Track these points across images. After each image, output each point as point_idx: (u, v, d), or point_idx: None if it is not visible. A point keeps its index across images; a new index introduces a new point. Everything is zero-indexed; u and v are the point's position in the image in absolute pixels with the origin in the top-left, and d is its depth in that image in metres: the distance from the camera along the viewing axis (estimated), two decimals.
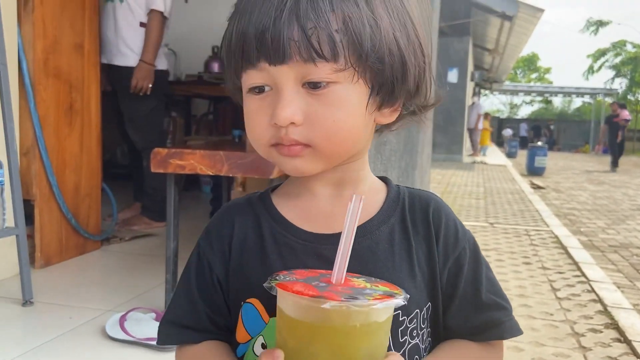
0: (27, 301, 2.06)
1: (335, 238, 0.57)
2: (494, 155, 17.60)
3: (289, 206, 0.65)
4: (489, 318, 0.66)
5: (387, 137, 2.91)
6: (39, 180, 2.49)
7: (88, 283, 2.44)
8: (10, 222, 2.07)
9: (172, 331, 0.66)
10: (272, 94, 0.57)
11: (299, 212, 0.64)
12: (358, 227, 0.55)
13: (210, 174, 1.81)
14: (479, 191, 8.42)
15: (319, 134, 0.57)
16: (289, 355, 0.50)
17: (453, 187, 8.74)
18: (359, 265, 0.60)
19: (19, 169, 2.18)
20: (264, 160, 1.84)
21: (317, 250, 0.62)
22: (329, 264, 0.55)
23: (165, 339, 0.66)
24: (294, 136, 0.57)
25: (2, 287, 2.28)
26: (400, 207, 0.67)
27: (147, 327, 1.82)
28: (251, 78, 0.57)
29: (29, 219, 2.50)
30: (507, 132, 24.11)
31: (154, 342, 1.71)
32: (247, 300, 0.61)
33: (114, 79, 3.25)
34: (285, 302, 0.51)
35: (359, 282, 0.54)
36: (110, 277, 2.54)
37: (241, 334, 0.63)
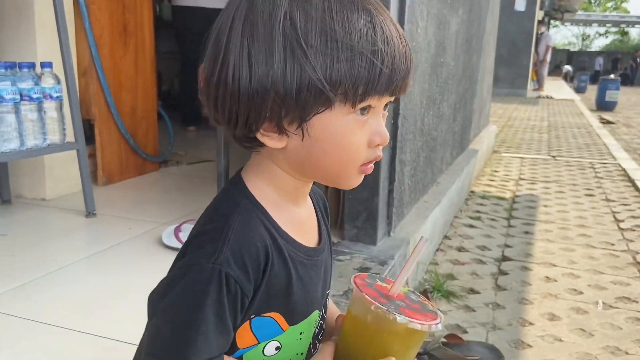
0: (89, 213, 2.17)
1: (319, 250, 0.69)
2: (562, 90, 16.67)
3: (284, 220, 0.65)
4: None
5: (445, 58, 2.78)
6: (97, 100, 2.56)
7: (146, 200, 2.54)
8: (70, 137, 2.15)
9: None
10: (370, 118, 0.61)
11: (293, 226, 0.66)
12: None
13: None
14: (543, 125, 8.05)
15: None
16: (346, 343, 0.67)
17: (515, 121, 8.39)
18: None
19: (77, 87, 2.24)
20: None
21: (316, 264, 0.68)
22: (325, 273, 0.71)
23: None
24: (380, 153, 0.66)
25: (67, 201, 2.41)
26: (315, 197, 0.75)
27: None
28: (371, 103, 0.60)
29: (90, 139, 2.59)
30: (566, 68, 22.63)
31: None
32: (266, 315, 0.63)
33: None
34: (370, 316, 0.64)
35: (412, 297, 0.69)
36: (166, 196, 2.63)
37: (246, 340, 0.64)
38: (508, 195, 3.94)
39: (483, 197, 3.86)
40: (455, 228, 3.11)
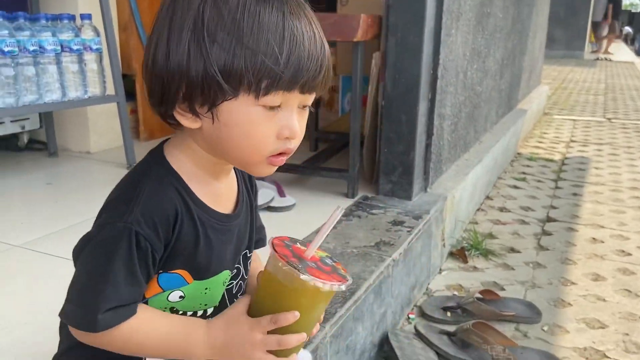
0: (130, 165, 2.22)
1: (233, 217, 0.74)
2: (621, 52, 15.75)
3: (202, 191, 0.70)
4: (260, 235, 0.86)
5: (492, 8, 2.65)
6: (137, 55, 2.58)
7: None
8: (111, 90, 2.19)
9: (119, 312, 0.64)
10: (281, 111, 0.65)
11: (210, 196, 0.71)
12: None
13: None
14: (599, 87, 7.65)
15: (298, 143, 0.69)
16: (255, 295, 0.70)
17: (569, 83, 8.01)
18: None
19: (117, 41, 2.26)
20: (347, 21, 1.75)
21: (229, 228, 0.74)
22: (238, 238, 0.76)
23: (110, 321, 0.63)
24: (293, 146, 0.68)
25: (110, 154, 2.47)
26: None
27: (262, 193, 1.84)
28: (277, 98, 0.63)
29: (132, 95, 2.63)
30: (627, 29, 21.24)
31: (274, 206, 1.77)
32: (172, 271, 0.69)
33: None
34: (272, 261, 0.67)
35: (326, 261, 0.70)
36: None
37: (152, 290, 0.69)
38: (557, 157, 3.78)
39: (530, 159, 3.72)
40: (498, 189, 3.01)
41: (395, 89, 1.80)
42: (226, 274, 0.75)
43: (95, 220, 0.67)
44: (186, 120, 0.65)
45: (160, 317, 0.69)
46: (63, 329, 0.75)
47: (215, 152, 0.68)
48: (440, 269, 1.99)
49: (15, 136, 2.42)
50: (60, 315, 0.66)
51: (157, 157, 0.70)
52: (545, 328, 1.63)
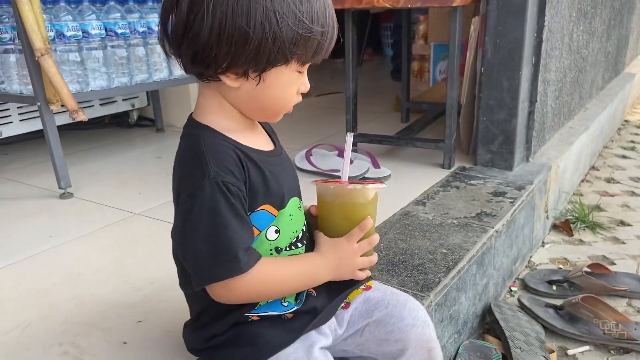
0: None
1: (277, 151, 0.84)
2: None
3: (244, 139, 0.77)
4: None
5: None
6: None
7: (277, 128, 2.64)
8: None
9: (250, 252, 0.73)
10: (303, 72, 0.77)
11: (251, 142, 0.78)
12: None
13: (388, 6, 1.73)
14: None
15: None
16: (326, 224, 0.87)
17: None
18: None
19: None
20: None
21: (280, 161, 0.82)
22: (291, 171, 0.85)
23: (249, 260, 0.71)
24: (300, 99, 0.79)
25: None
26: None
27: (330, 160, 1.92)
28: (306, 66, 0.75)
29: None
30: None
31: (337, 173, 1.80)
32: (258, 209, 0.76)
33: None
34: (325, 192, 0.85)
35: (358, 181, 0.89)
36: (296, 126, 2.70)
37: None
38: None
39: (639, 127, 3.46)
40: (605, 158, 2.83)
41: (497, 54, 1.74)
42: (297, 201, 0.83)
43: (178, 202, 0.73)
44: (230, 81, 0.71)
45: (282, 258, 0.79)
46: (192, 298, 0.83)
47: (245, 107, 0.76)
48: (544, 242, 1.92)
49: (126, 114, 2.60)
50: (196, 287, 0.72)
51: (194, 127, 0.75)
52: None
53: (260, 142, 0.81)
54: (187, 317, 1.02)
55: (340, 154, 1.94)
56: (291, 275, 0.77)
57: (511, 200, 1.57)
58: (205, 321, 0.79)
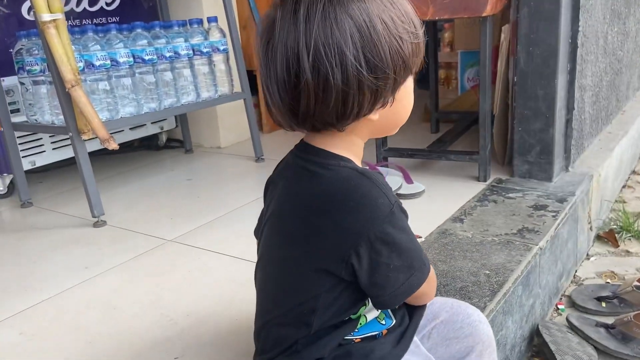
0: (258, 158, 2.31)
1: None
2: None
3: None
4: None
5: None
6: None
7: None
8: (237, 88, 2.28)
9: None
10: None
11: None
12: None
13: None
14: None
15: None
16: None
17: None
18: None
19: (239, 39, 2.34)
20: None
21: None
22: None
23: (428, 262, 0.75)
24: None
25: (238, 148, 2.58)
26: None
27: (392, 182, 1.83)
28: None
29: (253, 89, 2.72)
30: None
31: (403, 193, 1.75)
32: None
33: None
34: None
35: None
36: None
37: None
38: None
39: None
40: None
41: (530, 62, 1.68)
42: None
43: (370, 230, 0.67)
44: (374, 115, 0.69)
45: None
46: (280, 331, 0.76)
47: (379, 131, 0.75)
48: (588, 254, 1.84)
49: (155, 136, 2.61)
50: (389, 301, 0.72)
51: (341, 159, 0.71)
52: None
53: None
54: (225, 351, 0.99)
55: (407, 178, 1.85)
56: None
57: (553, 214, 1.51)
58: (301, 348, 0.74)
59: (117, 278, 1.36)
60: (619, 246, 1.89)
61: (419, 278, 0.72)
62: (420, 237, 0.90)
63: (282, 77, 0.64)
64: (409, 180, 1.81)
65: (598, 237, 1.95)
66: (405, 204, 1.67)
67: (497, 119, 1.93)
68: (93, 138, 1.67)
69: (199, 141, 2.69)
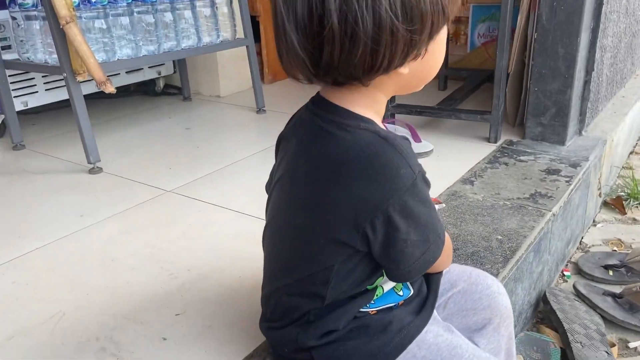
0: (260, 109, 2.23)
1: None
2: None
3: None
4: None
5: None
6: None
7: (311, 91, 2.53)
8: (240, 34, 2.17)
9: None
10: None
11: None
12: None
13: None
14: None
15: None
16: None
17: None
18: None
19: None
20: None
21: None
22: None
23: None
24: None
25: (238, 98, 2.50)
26: None
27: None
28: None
29: (256, 36, 2.61)
30: None
31: None
32: None
33: None
34: None
35: None
36: None
37: None
38: None
39: None
40: None
41: (553, 18, 1.59)
42: None
43: (391, 200, 0.61)
44: (405, 69, 0.61)
45: None
46: (292, 301, 0.71)
47: (407, 87, 0.67)
48: (595, 221, 1.81)
49: (152, 82, 2.51)
50: (404, 276, 0.67)
51: (362, 120, 0.64)
52: None
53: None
54: (228, 310, 0.96)
55: (415, 136, 1.79)
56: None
57: (567, 179, 1.46)
58: (314, 319, 0.70)
59: (114, 228, 1.31)
60: (625, 213, 1.86)
61: (435, 252, 0.66)
62: (441, 204, 0.85)
63: (302, 21, 0.56)
64: (417, 138, 1.75)
65: (605, 204, 1.92)
66: None
67: (511, 77, 1.85)
68: (89, 80, 1.58)
69: (198, 89, 2.60)
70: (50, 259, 1.18)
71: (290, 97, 2.51)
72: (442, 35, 0.63)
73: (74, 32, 1.45)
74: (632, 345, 1.24)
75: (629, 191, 1.95)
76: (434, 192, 1.41)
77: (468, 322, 0.82)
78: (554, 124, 1.69)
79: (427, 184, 0.65)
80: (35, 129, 2.13)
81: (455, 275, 0.84)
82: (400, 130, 1.80)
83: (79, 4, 1.58)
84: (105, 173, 1.65)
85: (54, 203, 1.47)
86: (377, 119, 0.67)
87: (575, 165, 1.55)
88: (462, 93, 2.12)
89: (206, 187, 1.52)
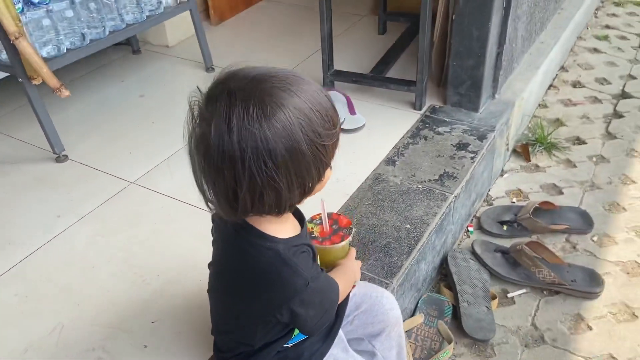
0: (209, 67, 2.35)
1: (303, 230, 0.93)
2: None
3: (293, 226, 0.91)
4: None
5: None
6: None
7: (258, 41, 2.64)
8: None
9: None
10: None
11: (294, 225, 0.92)
12: None
13: None
14: None
15: None
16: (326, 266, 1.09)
17: None
18: None
19: None
20: None
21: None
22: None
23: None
24: None
25: (188, 48, 2.58)
26: None
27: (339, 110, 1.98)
28: None
29: None
30: None
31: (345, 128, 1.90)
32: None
33: None
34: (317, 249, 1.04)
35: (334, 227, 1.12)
36: (275, 32, 2.70)
37: None
38: None
39: (617, 4, 3.44)
40: (576, 55, 2.90)
41: (468, 3, 1.75)
42: None
43: (288, 304, 0.83)
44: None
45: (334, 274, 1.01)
46: (232, 342, 0.97)
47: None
48: (503, 170, 2.11)
49: None
50: (310, 333, 0.94)
51: (262, 239, 0.83)
52: (595, 238, 1.79)
53: (295, 222, 0.93)
54: (194, 316, 1.22)
55: (350, 107, 1.98)
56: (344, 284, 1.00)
57: (472, 154, 1.73)
58: (247, 356, 0.96)
59: (88, 230, 1.54)
60: (530, 160, 2.16)
61: (330, 313, 0.94)
62: (351, 230, 1.13)
63: (222, 188, 0.75)
64: (352, 110, 1.96)
65: (514, 151, 2.21)
66: (347, 138, 1.83)
67: (436, 44, 2.02)
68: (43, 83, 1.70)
69: (146, 38, 2.65)
70: (40, 267, 1.42)
71: (238, 44, 2.61)
72: (328, 174, 0.82)
73: (23, 45, 1.55)
74: (510, 295, 1.61)
75: (537, 136, 2.23)
76: (363, 175, 1.66)
77: (368, 331, 1.13)
78: (469, 94, 1.92)
79: (321, 282, 0.87)
80: None
81: (360, 298, 1.13)
82: (338, 100, 1.99)
83: (22, 8, 1.65)
84: (71, 161, 1.83)
85: (31, 200, 1.66)
86: (290, 228, 0.88)
87: (482, 137, 1.81)
88: (397, 50, 2.29)
89: (165, 177, 1.73)
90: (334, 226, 1.20)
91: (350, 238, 1.13)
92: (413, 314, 1.51)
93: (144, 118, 2.07)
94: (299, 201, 0.81)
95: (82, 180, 1.74)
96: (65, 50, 1.80)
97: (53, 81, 1.63)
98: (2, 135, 2.00)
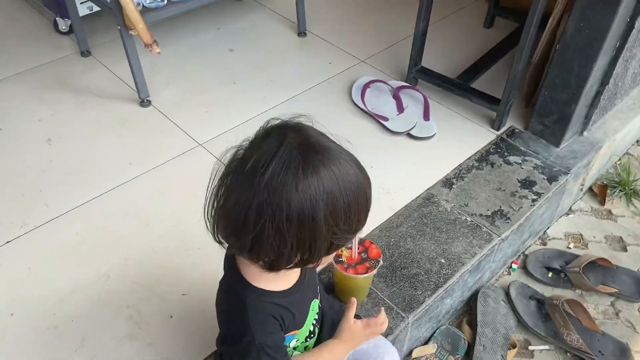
0: (301, 32, 2.35)
1: (301, 280, 0.93)
2: None
3: (283, 280, 0.90)
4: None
5: None
6: None
7: (354, 25, 2.58)
8: None
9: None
10: None
11: (287, 278, 0.91)
12: None
13: None
14: None
15: None
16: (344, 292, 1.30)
17: None
18: None
19: None
20: None
21: (304, 289, 0.94)
22: (311, 284, 0.99)
23: None
24: None
25: (286, 5, 2.57)
26: None
27: (382, 102, 1.97)
28: None
29: None
30: None
31: (384, 121, 1.90)
32: (286, 335, 0.93)
33: None
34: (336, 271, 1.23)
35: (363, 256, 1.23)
36: (372, 7, 2.61)
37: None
38: None
39: None
40: None
41: (576, 36, 1.61)
42: (316, 302, 1.02)
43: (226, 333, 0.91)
44: None
45: (310, 356, 1.00)
46: None
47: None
48: (571, 208, 2.01)
49: None
50: None
51: (239, 283, 0.86)
52: None
53: (292, 273, 0.91)
54: None
55: (396, 96, 1.98)
56: None
57: (535, 196, 1.66)
58: None
59: (152, 185, 1.66)
60: (604, 205, 2.04)
61: None
62: (379, 262, 1.20)
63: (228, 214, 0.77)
64: (426, 116, 1.92)
65: (590, 189, 2.08)
66: (412, 145, 1.80)
67: (535, 62, 1.90)
68: None
69: None
70: (103, 212, 1.57)
71: (333, 15, 2.56)
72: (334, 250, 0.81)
73: (125, 1, 1.63)
74: (531, 347, 1.60)
75: (619, 180, 2.09)
76: (414, 191, 1.66)
77: None
78: (554, 127, 1.81)
79: (268, 354, 0.84)
80: (99, 31, 2.33)
81: (361, 354, 1.13)
82: (414, 104, 1.96)
83: None
84: (153, 107, 1.95)
85: (110, 140, 1.80)
86: (282, 281, 0.88)
87: (552, 179, 1.73)
88: (491, 58, 2.17)
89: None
90: (363, 254, 1.24)
91: (375, 271, 1.18)
92: (427, 342, 1.55)
93: (227, 76, 2.13)
94: (295, 267, 0.81)
95: (158, 130, 1.86)
96: (165, 2, 1.86)
97: (147, 37, 1.71)
98: (98, 65, 2.15)
